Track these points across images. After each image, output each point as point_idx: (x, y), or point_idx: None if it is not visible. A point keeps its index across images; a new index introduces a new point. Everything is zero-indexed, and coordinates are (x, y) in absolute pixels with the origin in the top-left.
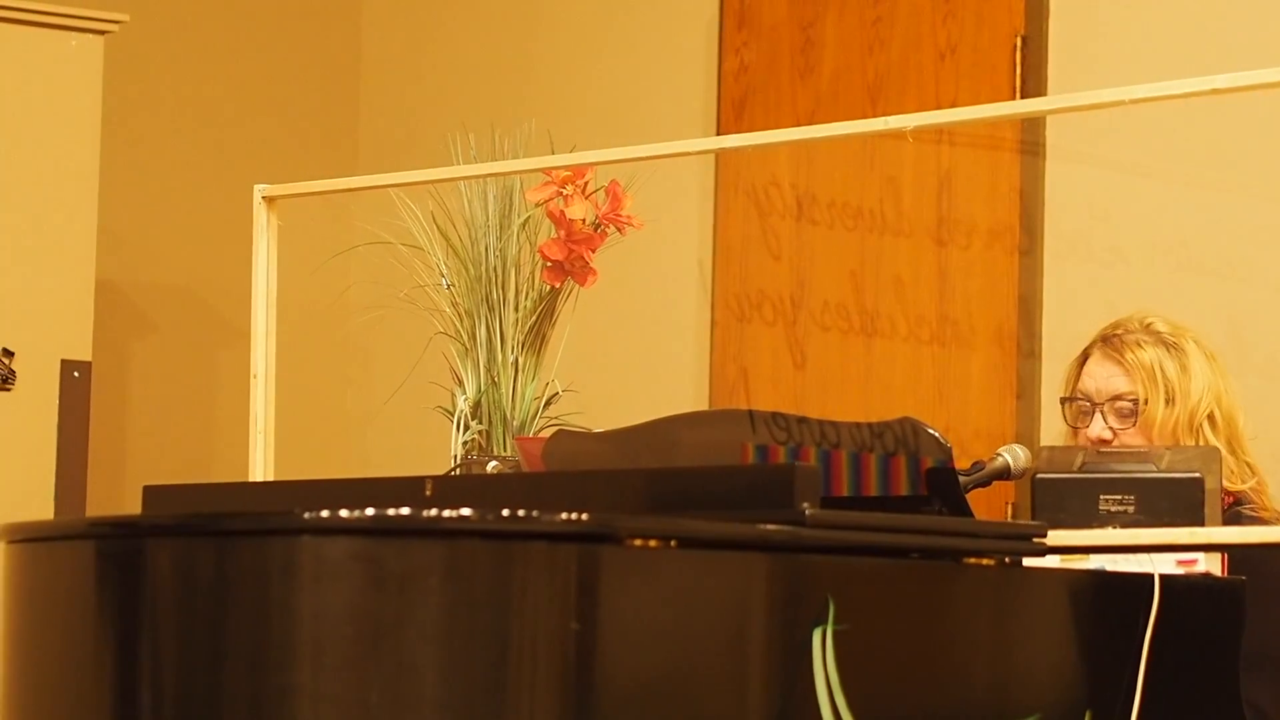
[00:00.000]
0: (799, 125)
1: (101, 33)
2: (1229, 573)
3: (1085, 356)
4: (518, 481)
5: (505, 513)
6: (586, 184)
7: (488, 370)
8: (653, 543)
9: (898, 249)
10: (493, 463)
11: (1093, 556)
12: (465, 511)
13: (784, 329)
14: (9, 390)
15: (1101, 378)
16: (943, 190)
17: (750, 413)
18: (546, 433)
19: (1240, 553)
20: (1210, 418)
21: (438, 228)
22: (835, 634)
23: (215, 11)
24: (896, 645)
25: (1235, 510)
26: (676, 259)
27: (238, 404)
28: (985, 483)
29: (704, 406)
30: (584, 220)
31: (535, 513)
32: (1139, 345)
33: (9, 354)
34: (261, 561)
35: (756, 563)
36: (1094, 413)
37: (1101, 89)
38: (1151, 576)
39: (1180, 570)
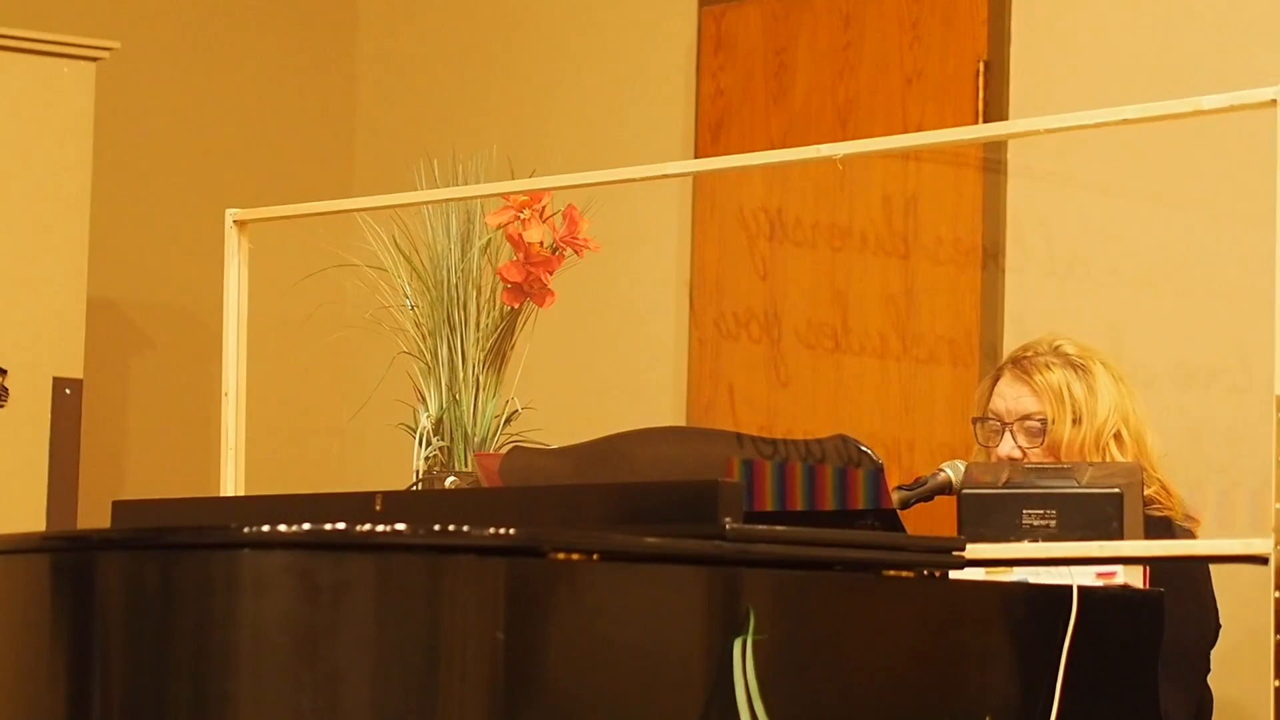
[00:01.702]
0: (773, 148)
1: (94, 59)
2: (1150, 580)
3: (996, 378)
4: (464, 497)
5: (435, 527)
6: (544, 208)
7: (449, 388)
8: (576, 556)
9: (866, 266)
10: (451, 478)
11: (1016, 569)
12: (398, 526)
13: (765, 346)
14: (2, 407)
15: (1011, 398)
16: (909, 209)
17: (693, 429)
18: (506, 449)
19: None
20: (1117, 436)
21: (400, 252)
22: (755, 644)
23: (204, 38)
24: (818, 654)
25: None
26: (656, 278)
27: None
28: (927, 497)
29: (682, 423)
30: (541, 243)
31: (465, 528)
32: (1047, 367)
33: (2, 371)
34: (204, 574)
35: (678, 575)
36: (1004, 432)
37: (1033, 117)
38: (1070, 588)
39: (1099, 582)
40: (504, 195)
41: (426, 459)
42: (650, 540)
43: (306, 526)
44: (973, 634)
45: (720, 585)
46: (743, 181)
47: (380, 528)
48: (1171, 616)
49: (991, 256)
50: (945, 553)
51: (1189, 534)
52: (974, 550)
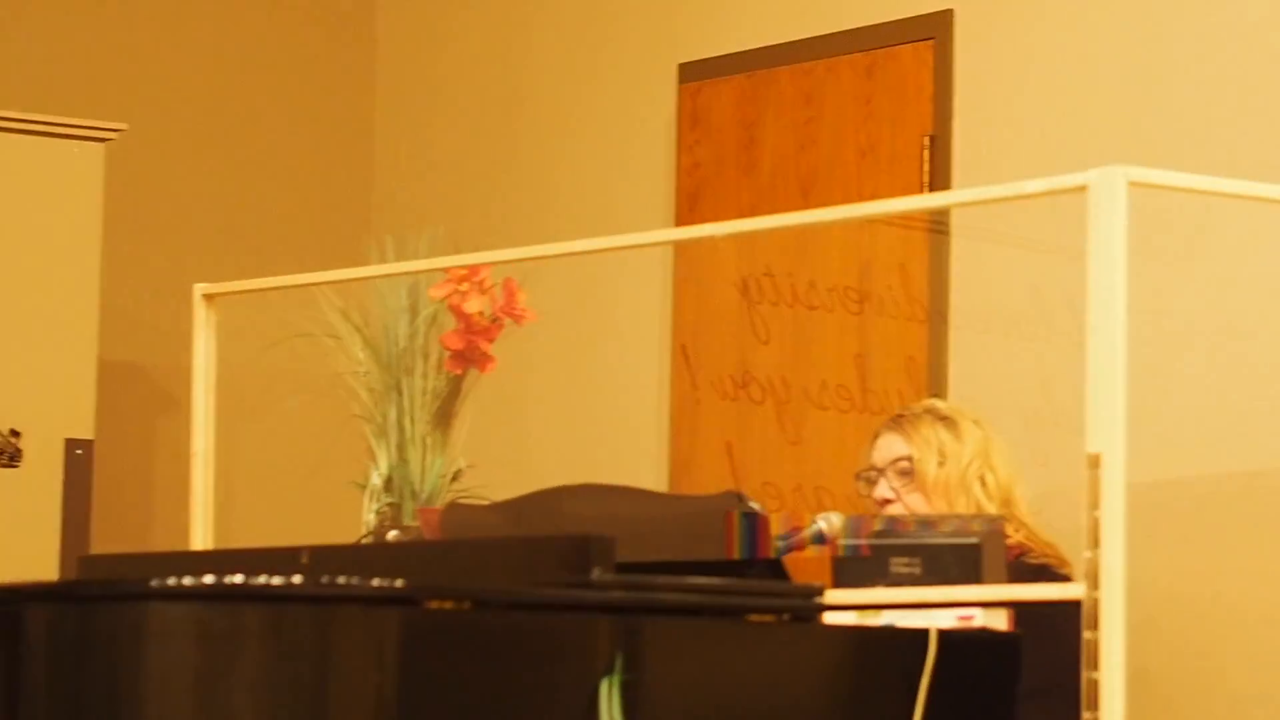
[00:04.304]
0: (743, 216)
1: (102, 140)
2: (1021, 623)
3: (875, 436)
4: (383, 550)
5: (324, 580)
6: (483, 280)
7: (398, 448)
8: (449, 605)
9: (825, 324)
10: (394, 531)
11: (884, 614)
12: (295, 579)
13: (736, 405)
14: (16, 468)
15: (884, 448)
16: (864, 270)
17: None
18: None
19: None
20: (982, 480)
21: (351, 322)
22: (622, 685)
23: (208, 119)
24: (684, 695)
25: (1020, 561)
26: (641, 342)
27: (229, 479)
28: (800, 547)
29: (663, 482)
30: (481, 313)
31: (355, 580)
32: (918, 419)
33: (15, 434)
34: (115, 624)
35: (550, 621)
36: (879, 479)
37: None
38: (929, 632)
39: (959, 625)
40: (445, 269)
41: (376, 513)
42: (519, 589)
43: (208, 580)
44: (836, 675)
45: (588, 631)
46: (718, 249)
47: (276, 580)
48: (1041, 657)
49: (937, 313)
50: (806, 598)
51: (1067, 579)
52: (835, 596)
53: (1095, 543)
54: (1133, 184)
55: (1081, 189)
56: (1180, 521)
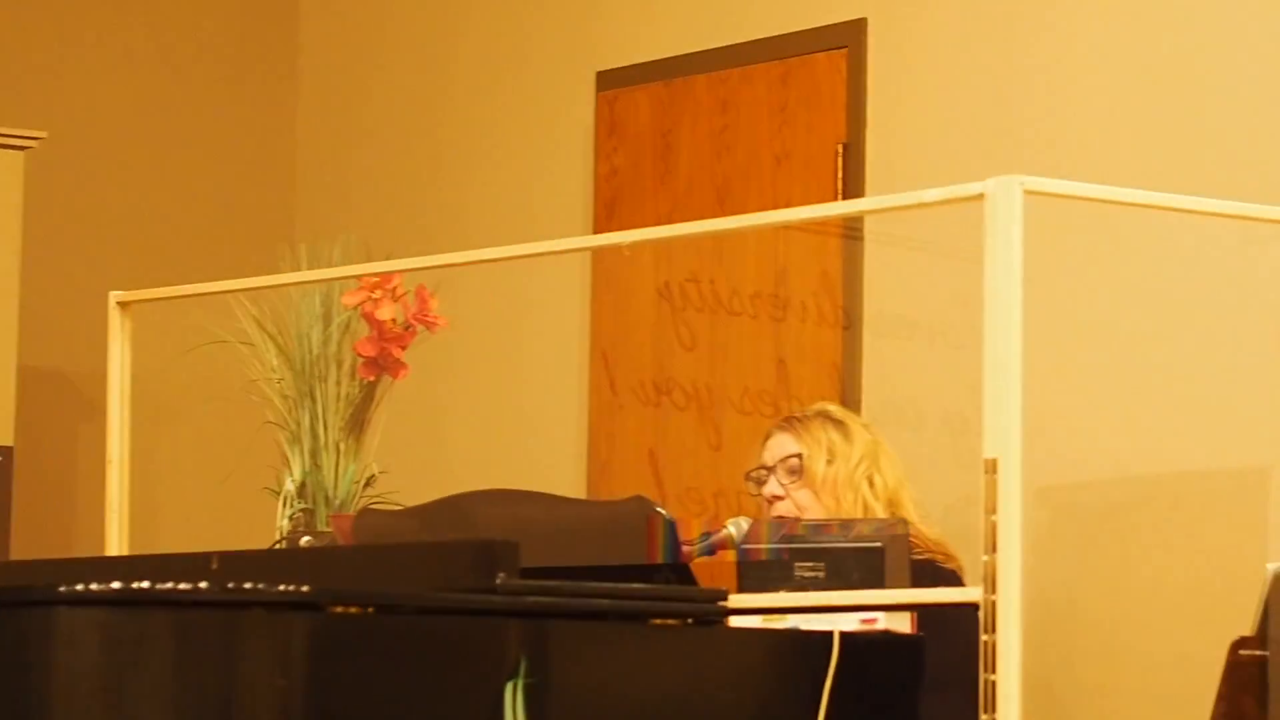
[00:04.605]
0: (660, 223)
1: (21, 148)
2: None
3: (768, 436)
4: (292, 556)
5: (230, 585)
6: (396, 288)
7: (312, 455)
8: (353, 610)
9: (747, 330)
10: (306, 537)
11: (790, 617)
12: (200, 584)
13: (659, 411)
14: None
15: (775, 447)
16: (780, 276)
17: (520, 492)
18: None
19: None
20: (870, 480)
21: (264, 330)
22: (526, 688)
23: (128, 127)
24: (590, 699)
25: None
26: (560, 348)
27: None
28: (711, 551)
29: (581, 488)
30: (394, 320)
31: (260, 585)
32: (810, 420)
33: None
34: (23, 629)
35: (454, 625)
36: (769, 476)
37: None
38: (832, 634)
39: (862, 628)
40: (358, 277)
41: (290, 519)
42: (422, 594)
43: (115, 585)
44: (742, 678)
45: (493, 634)
46: (636, 256)
47: (183, 585)
48: (942, 656)
49: (849, 317)
50: (709, 603)
51: (954, 574)
52: (739, 600)
53: (993, 546)
54: (1028, 192)
55: (978, 197)
56: (1086, 525)
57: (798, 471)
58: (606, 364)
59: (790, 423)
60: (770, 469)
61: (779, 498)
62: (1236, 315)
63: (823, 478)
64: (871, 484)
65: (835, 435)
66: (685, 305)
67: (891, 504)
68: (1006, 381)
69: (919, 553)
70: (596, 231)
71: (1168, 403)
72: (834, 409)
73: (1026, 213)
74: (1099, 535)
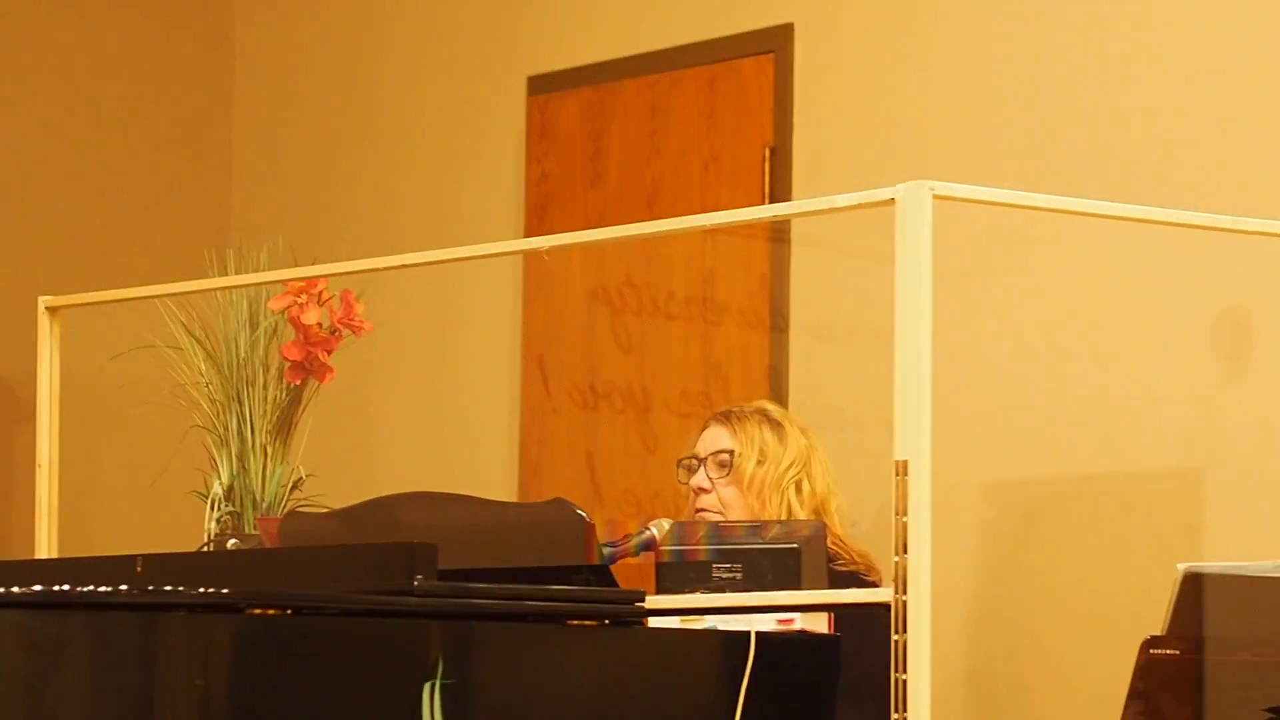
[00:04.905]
0: (590, 226)
1: None
2: (838, 626)
3: (704, 427)
4: (216, 558)
5: (150, 587)
6: (321, 293)
7: (239, 458)
8: (271, 612)
9: (674, 332)
10: (233, 540)
11: (708, 617)
12: (120, 587)
13: (596, 414)
14: None
15: (709, 439)
16: (708, 278)
17: (444, 495)
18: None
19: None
20: (798, 485)
21: (191, 335)
22: (444, 688)
23: (58, 130)
24: (509, 698)
25: (829, 568)
26: (492, 352)
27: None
28: (634, 553)
29: (514, 491)
30: (319, 324)
31: (179, 587)
32: (747, 416)
33: None
34: None
35: (372, 626)
36: (699, 467)
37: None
38: (749, 634)
39: (779, 628)
40: (284, 281)
41: (218, 522)
42: (339, 596)
43: (36, 588)
44: (660, 677)
45: (411, 636)
46: (566, 261)
47: (100, 588)
48: (860, 658)
49: (778, 318)
50: (627, 604)
51: (875, 585)
52: (657, 601)
53: (903, 548)
54: (937, 197)
55: (889, 203)
56: (1035, 523)
57: (727, 466)
58: (542, 368)
59: (727, 417)
60: (701, 460)
61: (705, 490)
62: (1174, 318)
63: (750, 477)
64: (799, 489)
65: (770, 436)
66: (624, 309)
67: (817, 512)
68: (917, 384)
69: (843, 564)
70: (528, 235)
71: (1108, 404)
72: (773, 409)
73: (962, 215)
74: (1047, 533)
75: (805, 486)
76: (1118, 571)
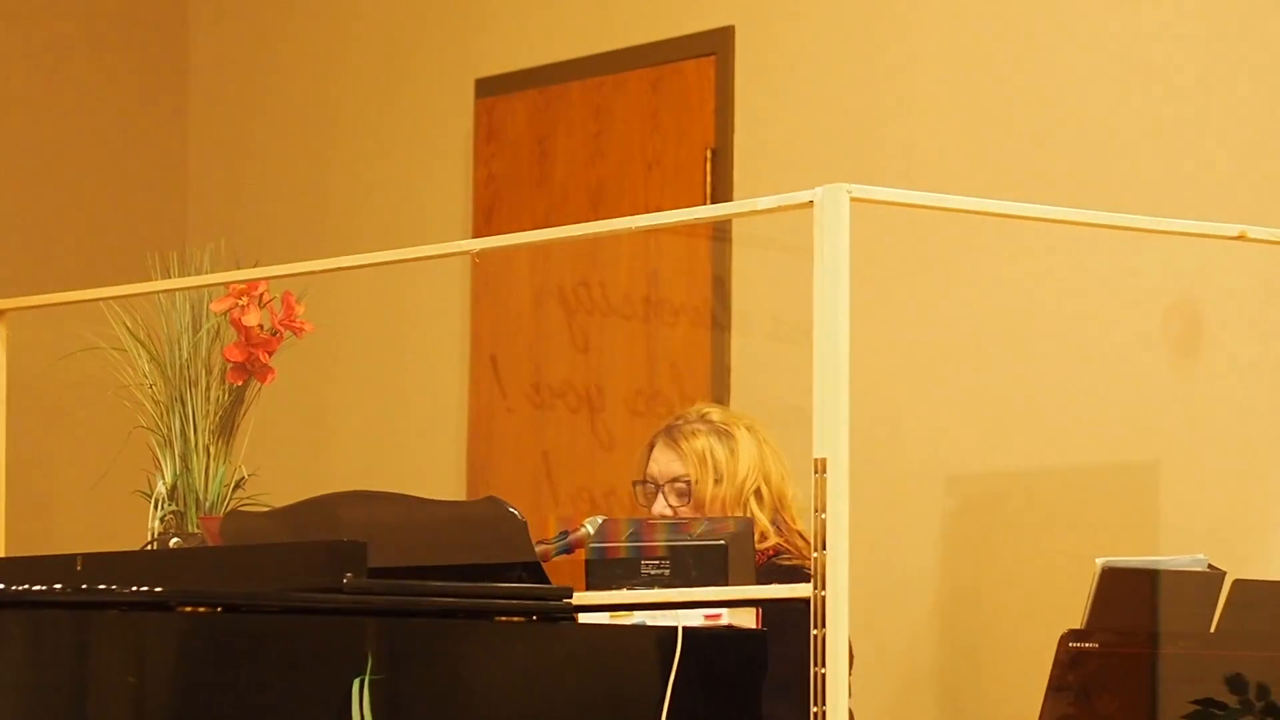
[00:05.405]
0: (537, 228)
1: None
2: (767, 620)
3: (652, 445)
4: (156, 557)
5: (84, 586)
6: (262, 294)
7: (182, 457)
8: (202, 610)
9: (621, 331)
10: (175, 539)
11: (636, 613)
12: (55, 585)
13: (552, 413)
14: None
15: (663, 463)
16: (652, 277)
17: (382, 493)
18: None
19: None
20: (758, 493)
21: (135, 337)
22: (372, 684)
23: (9, 134)
24: (439, 694)
25: (771, 562)
26: (442, 352)
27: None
28: (569, 550)
29: (462, 489)
30: (260, 326)
31: (113, 586)
32: (694, 434)
33: None
34: None
35: (305, 625)
36: (657, 493)
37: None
38: (676, 629)
39: (706, 623)
40: (227, 284)
41: (161, 521)
42: (269, 594)
43: None
44: (589, 673)
45: (342, 633)
46: (510, 259)
47: (38, 587)
48: (789, 652)
49: (720, 316)
50: (554, 600)
51: None
52: (586, 597)
53: (822, 544)
54: (855, 200)
55: (808, 205)
56: (996, 515)
57: (686, 495)
58: (495, 368)
59: (673, 437)
60: (659, 487)
61: (668, 518)
62: (1126, 313)
63: (710, 498)
64: (760, 496)
65: (721, 451)
66: (578, 308)
67: (777, 509)
68: (835, 383)
69: (789, 558)
70: (476, 236)
71: (1065, 398)
72: (715, 415)
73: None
74: (1009, 525)
75: (764, 490)
76: (1078, 563)
